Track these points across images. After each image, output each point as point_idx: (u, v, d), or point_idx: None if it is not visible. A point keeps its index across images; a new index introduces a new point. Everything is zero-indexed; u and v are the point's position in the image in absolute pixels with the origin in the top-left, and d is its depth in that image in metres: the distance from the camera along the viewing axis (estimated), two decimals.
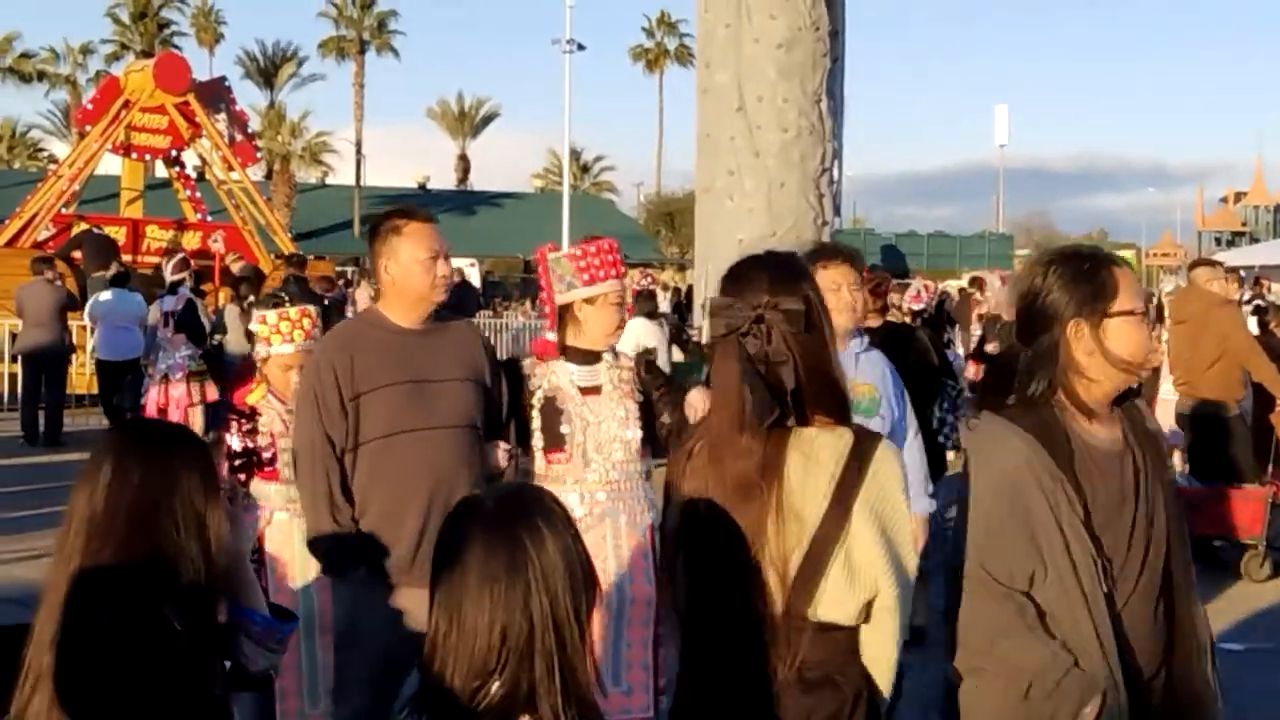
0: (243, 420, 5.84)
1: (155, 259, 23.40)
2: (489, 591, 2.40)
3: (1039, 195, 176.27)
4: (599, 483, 5.21)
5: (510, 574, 2.41)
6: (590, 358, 5.29)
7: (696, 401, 5.03)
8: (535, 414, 5.22)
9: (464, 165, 77.30)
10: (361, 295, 27.17)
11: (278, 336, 5.86)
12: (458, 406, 4.94)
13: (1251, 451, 10.67)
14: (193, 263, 16.51)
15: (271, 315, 5.91)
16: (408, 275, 4.87)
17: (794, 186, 21.06)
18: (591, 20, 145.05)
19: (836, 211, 21.98)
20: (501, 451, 5.12)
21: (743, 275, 3.20)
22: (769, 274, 3.16)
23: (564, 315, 5.28)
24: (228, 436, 5.82)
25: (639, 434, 5.28)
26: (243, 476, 5.77)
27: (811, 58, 21.51)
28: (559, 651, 2.41)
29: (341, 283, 28.22)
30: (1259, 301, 19.49)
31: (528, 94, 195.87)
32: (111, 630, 2.86)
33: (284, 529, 5.73)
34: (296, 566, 5.69)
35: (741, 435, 3.07)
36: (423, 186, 62.09)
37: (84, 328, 18.33)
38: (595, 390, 5.25)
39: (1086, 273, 3.33)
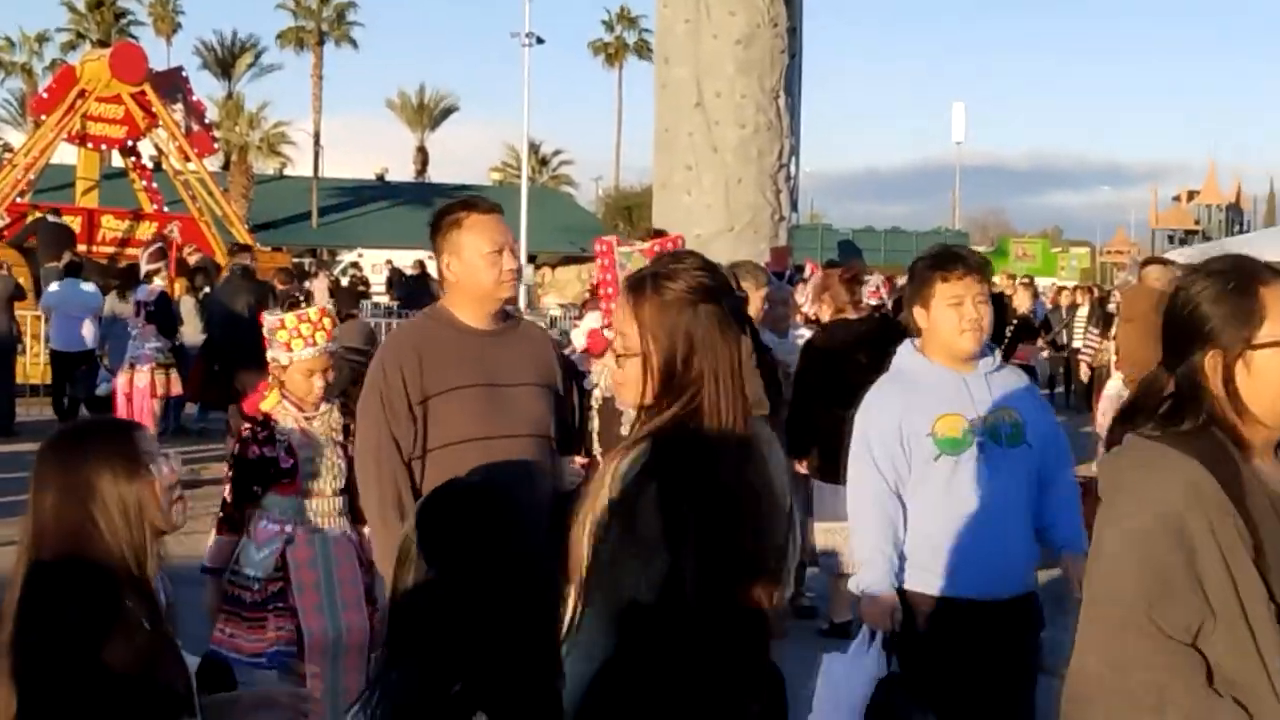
0: (258, 429, 5.55)
1: (110, 249, 23.33)
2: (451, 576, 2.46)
3: (995, 192, 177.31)
4: None
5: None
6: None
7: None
8: (593, 415, 4.98)
9: (423, 157, 77.03)
10: (318, 287, 27.12)
11: (299, 340, 5.55)
12: (530, 413, 4.63)
13: None
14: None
15: (290, 318, 5.62)
16: (471, 271, 4.57)
17: (751, 182, 21.15)
18: (551, 14, 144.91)
19: (794, 207, 22.08)
20: (575, 469, 4.78)
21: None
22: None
23: None
24: (242, 446, 5.56)
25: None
26: (258, 488, 5.52)
27: (770, 54, 21.59)
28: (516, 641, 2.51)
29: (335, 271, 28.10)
30: None
31: (487, 87, 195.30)
32: (77, 622, 2.90)
33: (308, 546, 5.52)
34: (323, 588, 5.50)
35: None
36: (381, 178, 61.95)
37: (38, 317, 18.24)
38: None
39: (1232, 291, 2.81)
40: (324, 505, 5.60)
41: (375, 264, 43.36)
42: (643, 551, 2.96)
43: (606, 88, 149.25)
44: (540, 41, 42.99)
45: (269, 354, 5.60)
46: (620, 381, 3.18)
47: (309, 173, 60.21)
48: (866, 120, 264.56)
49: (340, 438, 5.61)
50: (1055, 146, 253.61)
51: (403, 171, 71.85)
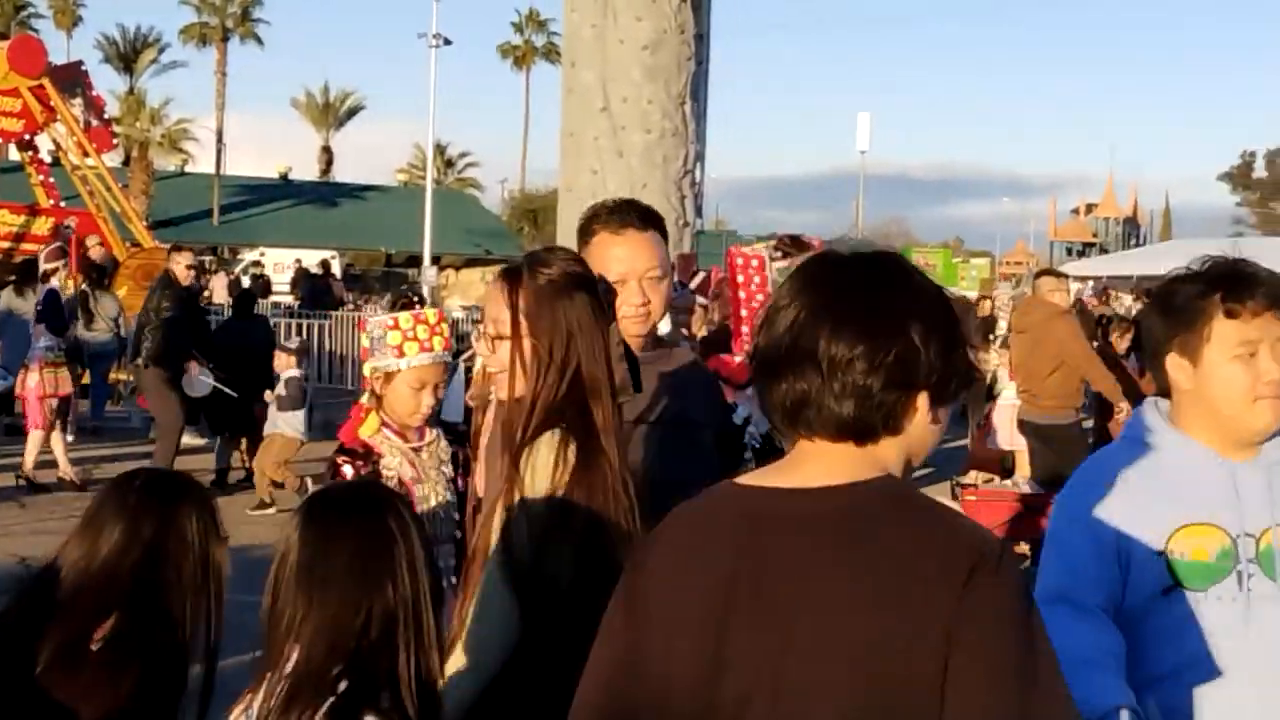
0: (359, 462, 4.60)
1: (5, 244, 22.95)
2: (358, 573, 2.45)
3: (899, 202, 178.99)
4: None
5: (378, 558, 2.46)
6: None
7: None
8: (750, 456, 4.12)
9: (327, 157, 76.59)
10: (218, 285, 26.87)
11: (413, 345, 4.60)
12: (683, 458, 3.77)
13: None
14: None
15: (406, 318, 4.69)
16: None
17: (656, 187, 21.21)
18: (460, 16, 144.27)
19: (698, 213, 22.18)
20: None
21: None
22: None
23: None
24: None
25: None
26: None
27: (676, 60, 21.70)
28: (416, 640, 2.46)
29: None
30: (1105, 311, 20.04)
31: (393, 87, 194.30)
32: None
33: None
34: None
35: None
36: (284, 177, 61.42)
37: None
38: None
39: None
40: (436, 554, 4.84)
41: (277, 263, 43.02)
42: (573, 537, 3.01)
43: (514, 91, 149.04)
44: (448, 43, 42.89)
45: (369, 364, 4.75)
46: (495, 368, 3.19)
47: (211, 170, 59.61)
48: (773, 128, 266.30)
49: (450, 471, 4.73)
50: (959, 158, 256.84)
51: (307, 171, 71.35)
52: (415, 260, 41.02)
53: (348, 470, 4.54)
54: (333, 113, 77.77)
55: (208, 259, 39.74)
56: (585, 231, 3.83)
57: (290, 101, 79.23)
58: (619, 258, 3.71)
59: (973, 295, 33.43)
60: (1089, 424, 12.31)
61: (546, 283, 3.16)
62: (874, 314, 2.04)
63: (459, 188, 75.31)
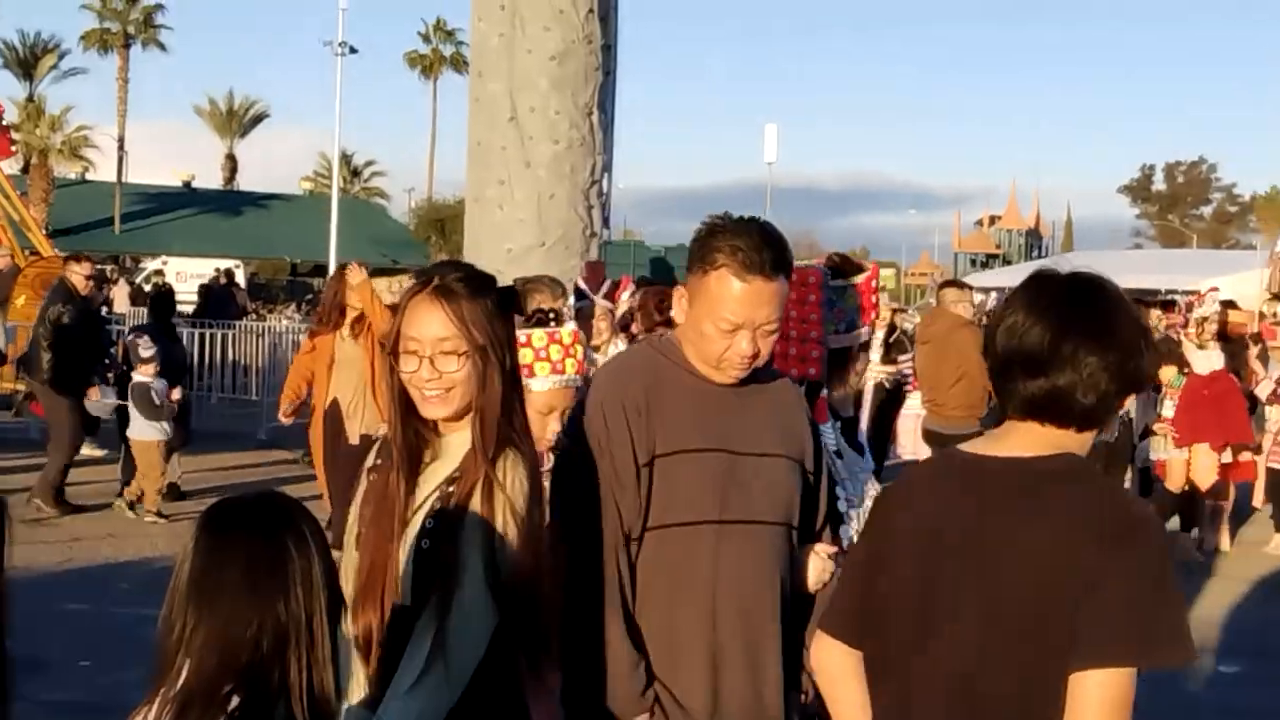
0: None
1: None
2: (251, 587, 2.42)
3: (807, 213, 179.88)
4: None
5: (273, 572, 2.43)
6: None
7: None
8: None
9: (231, 165, 75.83)
10: (119, 294, 26.50)
11: (544, 365, 4.24)
12: (776, 495, 3.54)
13: None
14: None
15: (539, 336, 4.26)
16: (699, 335, 3.51)
17: (564, 198, 21.22)
18: (366, 24, 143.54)
19: (605, 224, 22.23)
20: (822, 561, 3.62)
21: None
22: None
23: (832, 363, 4.06)
24: None
25: None
26: None
27: (584, 70, 21.72)
28: (309, 655, 2.44)
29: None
30: None
31: (299, 95, 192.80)
32: None
33: None
34: None
35: None
36: (187, 185, 60.79)
37: None
38: (840, 456, 4.08)
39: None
40: None
41: (180, 272, 42.51)
42: (544, 553, 3.12)
43: (422, 100, 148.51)
44: (354, 51, 42.53)
45: None
46: (450, 385, 3.11)
47: (112, 178, 58.83)
48: (681, 139, 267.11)
49: None
50: (865, 169, 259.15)
51: (211, 179, 70.63)
52: (321, 270, 40.77)
53: None
54: (237, 120, 77.00)
55: (109, 268, 39.20)
56: (707, 257, 3.43)
57: (193, 109, 78.45)
58: (736, 307, 3.39)
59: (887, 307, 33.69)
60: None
61: (478, 295, 3.16)
62: (1116, 332, 2.69)
63: (365, 197, 74.89)
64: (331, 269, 39.20)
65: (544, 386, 4.18)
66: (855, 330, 4.05)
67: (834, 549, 3.65)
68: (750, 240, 3.39)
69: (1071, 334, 2.68)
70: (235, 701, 2.36)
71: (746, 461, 3.49)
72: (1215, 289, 13.35)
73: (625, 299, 12.60)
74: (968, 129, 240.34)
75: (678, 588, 3.41)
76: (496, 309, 3.20)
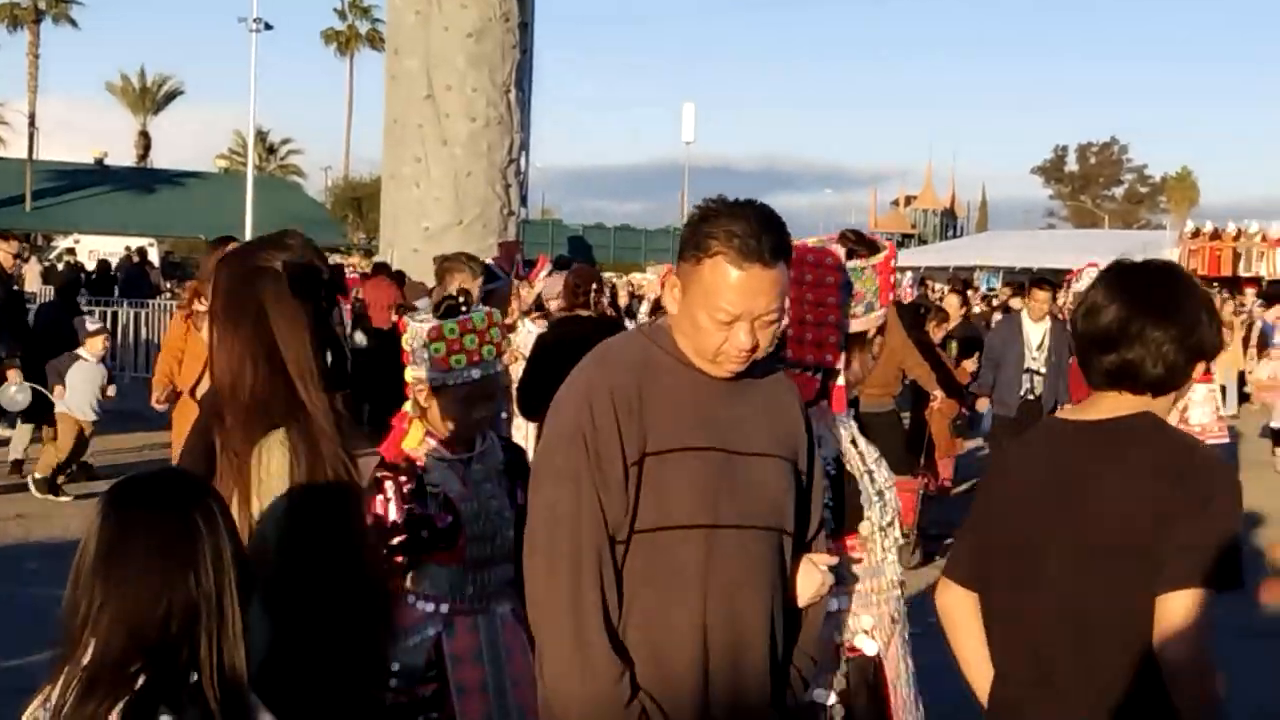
0: (401, 478, 4.16)
1: None
2: (159, 563, 2.39)
3: (724, 192, 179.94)
4: (890, 587, 3.78)
5: (181, 549, 2.40)
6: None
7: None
8: (826, 484, 3.66)
9: (145, 142, 74.83)
10: (30, 273, 26.12)
11: (460, 358, 4.16)
12: (770, 497, 3.30)
13: (905, 445, 11.29)
14: None
15: (451, 327, 4.19)
16: (694, 326, 3.21)
17: (481, 175, 21.24)
18: (282, 0, 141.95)
19: (524, 202, 22.26)
20: (818, 574, 3.38)
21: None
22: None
23: (850, 347, 3.80)
24: (380, 502, 4.12)
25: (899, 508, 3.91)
26: (405, 558, 4.14)
27: (501, 48, 21.69)
28: (219, 633, 2.42)
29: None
30: (923, 301, 20.43)
31: (213, 72, 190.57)
32: None
33: (470, 633, 4.19)
34: (491, 690, 4.17)
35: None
36: (100, 162, 59.88)
37: None
38: (855, 447, 3.85)
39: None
40: (490, 577, 4.23)
41: (92, 250, 41.97)
42: (312, 542, 3.06)
43: (338, 77, 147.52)
44: (269, 27, 42.11)
45: (410, 372, 4.22)
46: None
47: (23, 154, 57.90)
48: (599, 118, 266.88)
49: (506, 482, 4.31)
50: (782, 149, 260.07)
51: (124, 156, 69.66)
52: None
53: (389, 487, 4.10)
54: (150, 97, 76.02)
55: (21, 247, 38.60)
56: (701, 244, 3.17)
57: (106, 85, 77.32)
58: (734, 297, 3.14)
59: None
60: (905, 413, 12.57)
61: (248, 262, 3.13)
62: (1179, 310, 3.14)
63: (281, 175, 74.18)
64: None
65: (463, 378, 4.14)
66: (874, 312, 3.79)
67: (831, 559, 3.41)
68: (747, 225, 3.13)
69: (1138, 314, 3.14)
70: (142, 680, 2.34)
71: (741, 461, 3.22)
72: (1094, 264, 13.50)
73: (542, 278, 12.61)
74: (883, 109, 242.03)
75: (667, 596, 3.15)
76: (238, 276, 3.15)
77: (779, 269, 3.15)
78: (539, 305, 12.79)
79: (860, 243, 3.81)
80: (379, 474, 4.07)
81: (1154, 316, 3.13)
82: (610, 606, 3.11)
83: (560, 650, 3.08)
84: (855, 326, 3.75)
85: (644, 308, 17.58)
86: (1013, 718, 3.27)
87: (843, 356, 3.71)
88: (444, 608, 4.14)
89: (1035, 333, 12.03)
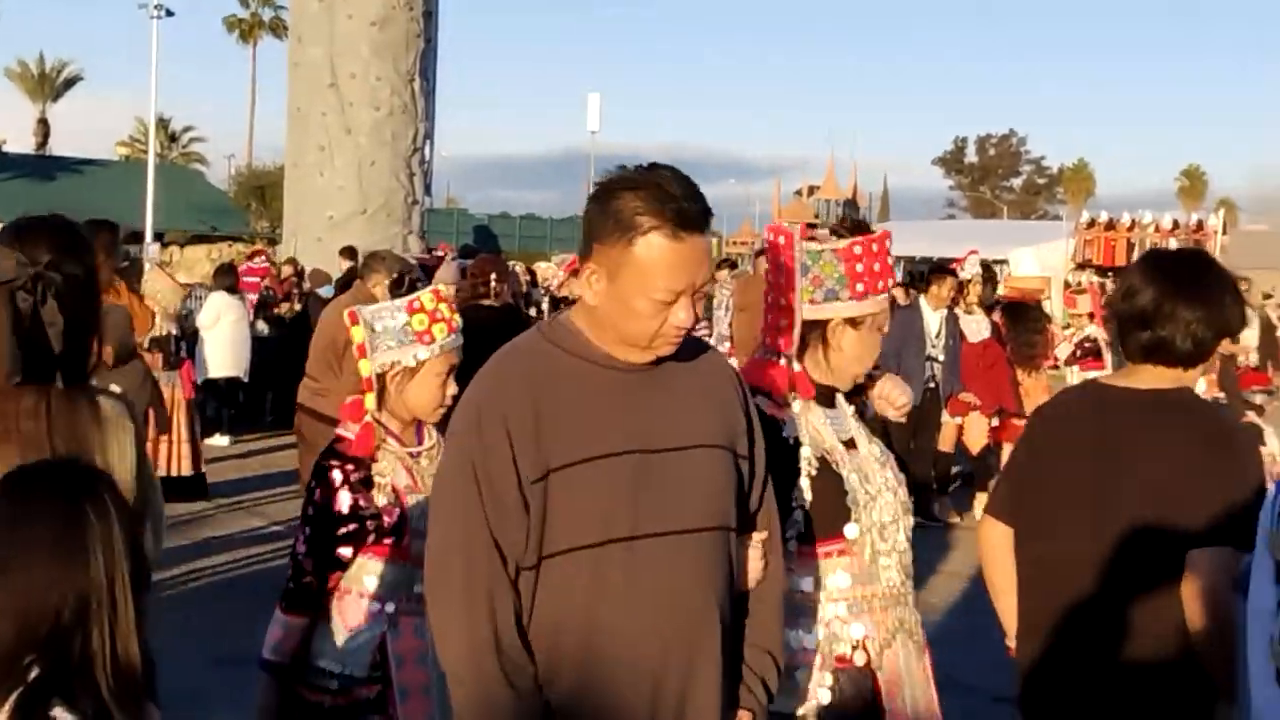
0: (349, 467, 3.95)
1: None
2: (49, 554, 2.36)
3: None
4: (890, 588, 3.46)
5: (72, 539, 2.37)
6: (828, 398, 3.57)
7: (892, 392, 3.71)
8: (805, 484, 3.40)
9: (44, 129, 73.60)
10: None
11: (441, 327, 4.04)
12: (706, 495, 2.97)
13: None
14: None
15: (428, 297, 4.07)
16: (624, 312, 2.90)
17: (385, 164, 21.18)
18: None
19: (428, 191, 22.25)
20: (754, 554, 3.11)
21: (26, 233, 3.08)
22: (52, 237, 3.09)
23: (807, 335, 3.51)
24: (324, 491, 3.95)
25: (912, 507, 3.63)
26: (349, 551, 3.92)
27: (405, 37, 21.63)
28: (112, 623, 2.39)
29: None
30: None
31: (114, 58, 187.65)
32: None
33: (416, 636, 3.98)
34: (435, 695, 3.94)
35: (22, 393, 3.00)
36: None
37: None
38: (850, 446, 3.52)
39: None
40: None
41: None
42: None
43: (241, 65, 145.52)
44: (170, 14, 41.66)
45: (379, 359, 4.04)
46: None
47: None
48: (505, 108, 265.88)
49: None
50: (687, 139, 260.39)
51: (22, 143, 68.48)
52: (138, 236, 39.93)
53: (336, 475, 3.89)
54: (49, 84, 74.81)
55: None
56: (627, 222, 2.83)
57: (4, 72, 75.94)
58: (677, 273, 2.86)
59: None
60: None
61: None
62: (1205, 292, 3.61)
63: (183, 162, 73.30)
64: (149, 236, 38.51)
65: (444, 347, 4.01)
66: (836, 301, 3.44)
67: (763, 535, 3.12)
68: (672, 190, 2.83)
69: (1169, 296, 3.59)
70: (35, 672, 2.32)
71: (667, 460, 2.90)
72: (974, 251, 13.72)
73: (446, 264, 12.65)
74: (786, 99, 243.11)
75: (591, 628, 2.83)
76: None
77: (707, 237, 2.94)
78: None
79: (839, 227, 3.54)
80: (328, 462, 3.93)
81: (1183, 298, 3.58)
82: (512, 650, 2.81)
83: (467, 680, 2.84)
84: (810, 314, 3.44)
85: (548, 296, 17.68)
86: (1037, 658, 3.73)
87: (795, 341, 3.45)
88: (389, 607, 3.93)
89: (934, 321, 12.18)
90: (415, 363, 3.99)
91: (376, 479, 3.93)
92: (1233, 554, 3.27)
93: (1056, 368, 16.72)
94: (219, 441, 15.24)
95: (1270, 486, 2.74)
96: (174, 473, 11.86)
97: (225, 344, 15.61)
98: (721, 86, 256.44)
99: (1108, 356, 16.23)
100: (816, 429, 3.45)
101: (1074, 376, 15.42)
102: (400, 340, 3.98)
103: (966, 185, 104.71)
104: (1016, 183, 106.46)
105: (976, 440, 12.47)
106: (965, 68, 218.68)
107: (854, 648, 3.39)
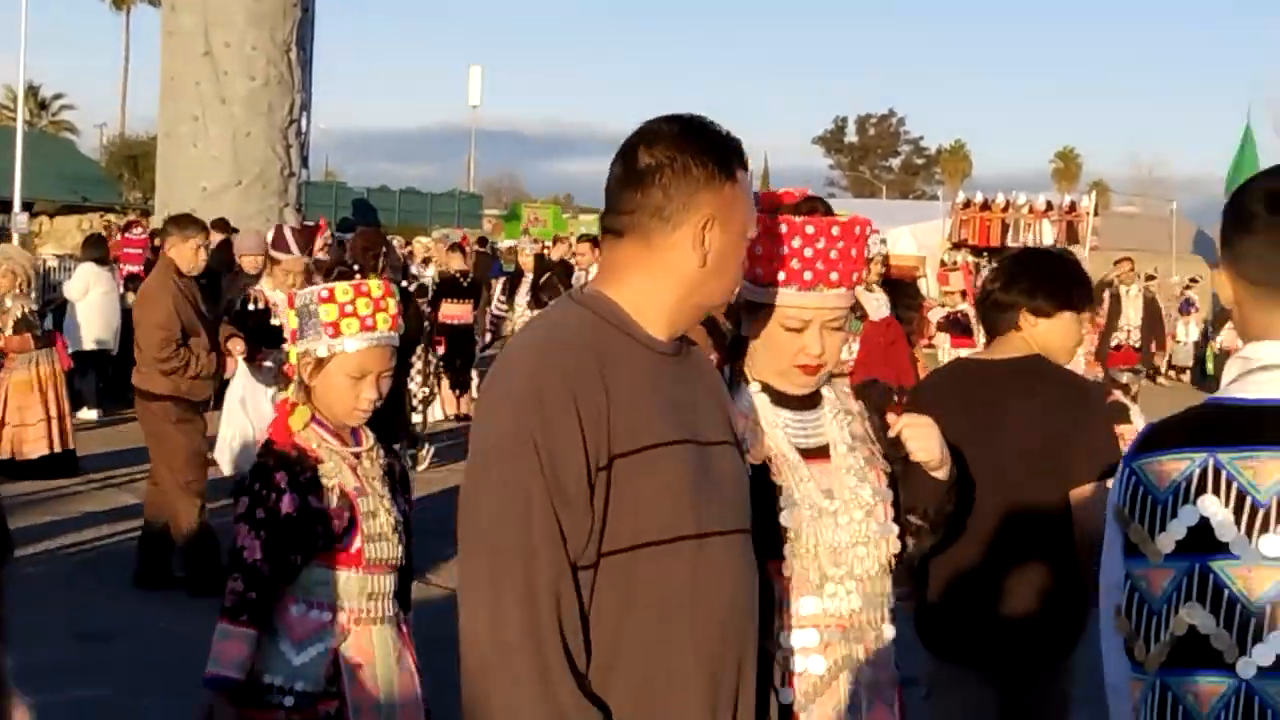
0: (296, 470, 3.71)
1: None
2: None
3: (511, 157, 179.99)
4: (838, 619, 2.95)
5: None
6: (800, 399, 3.08)
7: (909, 442, 3.06)
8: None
9: None
10: None
11: (352, 323, 3.74)
12: (740, 494, 2.77)
13: None
14: None
15: (344, 289, 3.80)
16: (724, 263, 2.66)
17: (261, 135, 20.92)
18: None
19: (305, 163, 22.00)
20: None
21: None
22: None
23: (751, 320, 3.06)
24: (269, 493, 3.70)
25: (895, 529, 3.07)
26: (298, 558, 3.70)
27: (281, 6, 21.36)
28: None
29: None
30: None
31: None
32: None
33: (368, 648, 3.77)
34: (383, 713, 3.77)
35: None
36: None
37: None
38: (821, 454, 3.04)
39: None
40: (384, 584, 3.81)
41: None
42: None
43: (114, 32, 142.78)
44: None
45: (298, 347, 3.81)
46: None
47: None
48: (384, 80, 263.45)
49: (385, 487, 3.88)
50: (569, 115, 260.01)
51: None
52: (5, 206, 39.05)
53: (281, 478, 3.66)
54: None
55: None
56: (728, 162, 2.67)
57: None
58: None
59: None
60: None
61: None
62: (1024, 272, 4.45)
63: (53, 131, 71.80)
64: (17, 205, 37.72)
65: (355, 346, 3.73)
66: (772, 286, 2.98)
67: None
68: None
69: (1012, 283, 4.42)
70: None
71: (713, 453, 2.68)
72: (875, 230, 13.97)
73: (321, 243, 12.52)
74: (667, 75, 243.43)
75: (657, 635, 2.57)
76: None
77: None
78: (328, 268, 12.70)
79: (779, 200, 3.09)
80: (268, 462, 3.71)
81: (1021, 284, 4.39)
82: (575, 653, 2.48)
83: (519, 708, 2.44)
84: (749, 295, 3.02)
85: (430, 271, 17.56)
86: (934, 600, 4.25)
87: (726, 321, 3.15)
88: (341, 617, 3.71)
89: None
90: (326, 354, 3.75)
91: (324, 481, 3.69)
92: (1104, 488, 3.66)
93: (932, 345, 17.00)
94: (88, 415, 14.99)
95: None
96: (55, 449, 11.72)
97: (94, 316, 15.38)
98: (604, 62, 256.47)
99: (978, 334, 16.63)
100: (765, 432, 3.01)
101: (944, 353, 15.76)
102: (314, 329, 3.76)
103: (846, 165, 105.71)
104: (895, 163, 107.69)
105: None
106: (846, 48, 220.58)
107: (775, 686, 2.89)
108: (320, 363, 3.75)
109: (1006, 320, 4.37)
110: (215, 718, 3.65)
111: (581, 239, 16.86)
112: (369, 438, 3.88)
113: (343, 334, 3.72)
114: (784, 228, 2.93)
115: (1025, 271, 4.42)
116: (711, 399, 2.78)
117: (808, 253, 2.92)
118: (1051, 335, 4.36)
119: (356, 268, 4.02)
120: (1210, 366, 25.91)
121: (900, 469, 3.09)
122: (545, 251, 20.25)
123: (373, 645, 3.73)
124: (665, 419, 2.59)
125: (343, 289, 3.78)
